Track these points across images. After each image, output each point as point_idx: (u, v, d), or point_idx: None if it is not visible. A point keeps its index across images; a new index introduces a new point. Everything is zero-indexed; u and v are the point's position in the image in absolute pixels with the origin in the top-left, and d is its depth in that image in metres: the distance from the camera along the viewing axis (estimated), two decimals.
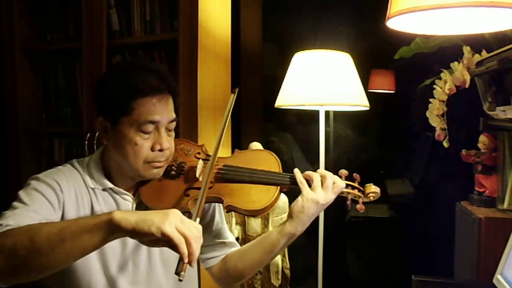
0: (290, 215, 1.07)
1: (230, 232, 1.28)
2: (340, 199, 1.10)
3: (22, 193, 1.00)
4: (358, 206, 1.09)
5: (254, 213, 1.10)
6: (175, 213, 0.81)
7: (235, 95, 1.12)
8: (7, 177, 2.05)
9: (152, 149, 1.03)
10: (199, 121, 1.73)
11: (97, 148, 1.81)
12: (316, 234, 1.78)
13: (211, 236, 1.21)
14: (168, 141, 1.05)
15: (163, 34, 1.85)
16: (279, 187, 1.08)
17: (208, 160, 1.10)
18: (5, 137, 2.06)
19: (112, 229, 0.80)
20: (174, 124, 1.07)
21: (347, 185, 1.09)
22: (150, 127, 1.02)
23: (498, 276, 1.19)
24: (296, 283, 2.22)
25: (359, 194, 1.10)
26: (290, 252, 1.90)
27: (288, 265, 1.92)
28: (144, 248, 1.09)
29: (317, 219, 1.79)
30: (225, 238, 1.23)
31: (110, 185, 1.09)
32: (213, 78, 1.88)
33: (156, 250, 1.11)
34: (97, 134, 1.84)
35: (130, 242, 1.09)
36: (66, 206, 1.03)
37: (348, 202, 1.10)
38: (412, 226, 2.53)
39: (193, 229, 0.81)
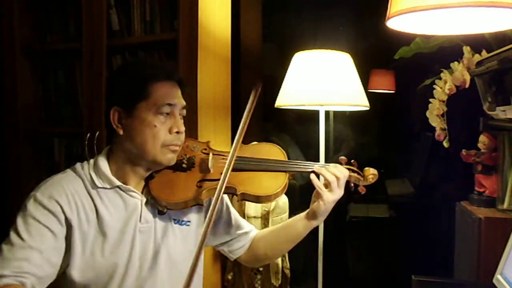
0: (315, 215, 1.15)
1: None
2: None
3: (20, 222, 1.00)
4: (359, 189, 1.21)
5: (266, 199, 1.15)
6: None
7: (258, 92, 1.16)
8: (7, 177, 2.04)
9: (170, 132, 1.08)
10: (199, 121, 1.72)
11: (97, 148, 1.81)
12: (316, 234, 1.78)
13: (233, 230, 1.27)
14: (182, 125, 1.11)
15: (163, 34, 1.84)
16: (287, 174, 1.15)
17: (217, 154, 1.16)
18: (5, 137, 2.06)
19: None
20: (185, 111, 1.14)
21: (349, 170, 1.19)
22: (167, 109, 1.08)
23: (498, 276, 1.19)
24: (296, 283, 2.21)
25: (359, 177, 1.21)
26: (290, 252, 1.89)
27: (288, 265, 1.92)
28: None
29: None
30: (244, 228, 1.29)
31: (118, 183, 1.10)
32: (213, 78, 1.88)
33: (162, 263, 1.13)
34: (97, 134, 1.83)
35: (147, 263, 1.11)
36: (70, 219, 1.04)
37: (352, 185, 1.21)
38: (412, 226, 2.53)
39: None
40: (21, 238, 0.97)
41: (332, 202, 1.13)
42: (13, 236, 0.98)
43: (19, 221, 1.00)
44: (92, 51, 1.88)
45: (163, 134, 1.07)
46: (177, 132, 1.09)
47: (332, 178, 1.13)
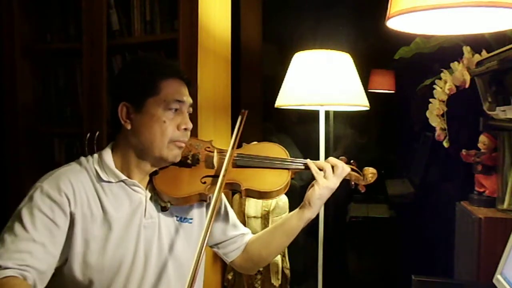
0: (308, 203, 1.17)
1: None
2: (344, 183, 1.22)
3: (25, 213, 0.99)
4: (360, 187, 1.25)
5: (269, 196, 1.17)
6: None
7: (244, 118, 1.22)
8: (7, 177, 2.05)
9: (178, 128, 1.10)
10: (199, 121, 1.72)
11: (97, 148, 1.81)
12: (316, 234, 1.78)
13: (229, 230, 1.28)
14: (190, 123, 1.14)
15: (163, 34, 1.85)
16: (290, 171, 1.18)
17: (221, 152, 1.19)
18: (5, 137, 2.06)
19: None
20: (191, 109, 1.16)
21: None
22: (176, 106, 1.10)
23: (498, 276, 1.19)
24: (296, 283, 2.21)
25: (359, 176, 1.24)
26: (290, 252, 1.90)
27: (288, 265, 1.92)
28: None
29: (317, 219, 1.79)
30: (240, 230, 1.30)
31: (123, 177, 1.10)
32: (213, 78, 1.88)
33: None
34: (97, 134, 1.84)
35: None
36: (74, 213, 1.03)
37: (352, 183, 1.25)
38: (412, 226, 2.53)
39: None
40: (26, 230, 0.96)
41: (326, 190, 1.15)
42: (17, 226, 0.97)
43: (24, 212, 0.98)
44: (92, 51, 1.88)
45: (171, 130, 1.09)
46: (185, 129, 1.12)
47: (327, 165, 1.17)
